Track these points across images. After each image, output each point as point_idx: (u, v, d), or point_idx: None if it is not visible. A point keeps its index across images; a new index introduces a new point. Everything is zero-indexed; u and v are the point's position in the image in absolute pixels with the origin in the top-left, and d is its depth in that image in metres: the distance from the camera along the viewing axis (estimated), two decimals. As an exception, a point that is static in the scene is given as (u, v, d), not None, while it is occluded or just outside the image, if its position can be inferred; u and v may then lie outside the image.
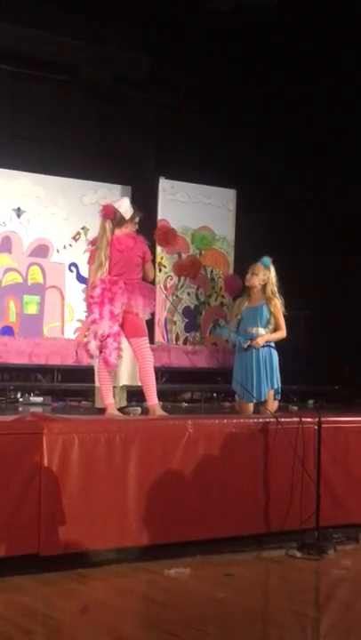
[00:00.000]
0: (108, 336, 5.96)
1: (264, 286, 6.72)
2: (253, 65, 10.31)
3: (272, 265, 6.73)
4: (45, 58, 9.62)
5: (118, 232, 6.14)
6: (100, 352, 6.01)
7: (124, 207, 6.20)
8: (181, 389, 10.08)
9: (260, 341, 6.61)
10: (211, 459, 5.27)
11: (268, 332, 6.67)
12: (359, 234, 9.76)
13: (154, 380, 6.18)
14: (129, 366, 6.62)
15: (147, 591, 4.62)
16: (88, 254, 7.85)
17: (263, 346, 6.64)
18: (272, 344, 6.72)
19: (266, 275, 6.71)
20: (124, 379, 6.85)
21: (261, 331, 6.65)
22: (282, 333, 6.72)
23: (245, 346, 6.64)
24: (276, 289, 6.72)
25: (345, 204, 9.90)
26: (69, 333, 9.90)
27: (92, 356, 6.08)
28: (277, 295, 6.70)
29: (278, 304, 6.67)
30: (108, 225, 6.11)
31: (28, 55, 9.56)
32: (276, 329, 6.69)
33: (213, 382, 10.18)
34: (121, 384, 6.88)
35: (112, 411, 6.13)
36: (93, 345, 5.99)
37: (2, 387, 9.14)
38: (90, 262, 6.29)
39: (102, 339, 5.96)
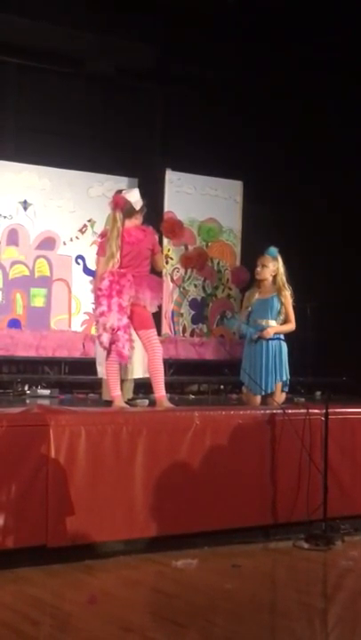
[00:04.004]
0: (118, 329, 5.95)
1: (274, 277, 6.71)
2: (260, 55, 10.27)
3: (279, 255, 6.72)
4: (50, 50, 9.59)
5: (128, 223, 6.11)
6: (112, 345, 5.99)
7: (135, 198, 6.17)
8: (189, 381, 10.07)
9: (271, 332, 6.60)
10: (218, 450, 5.27)
11: (278, 324, 6.66)
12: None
13: (162, 372, 6.18)
14: (140, 359, 6.59)
15: (154, 582, 4.63)
16: (95, 246, 7.85)
17: (273, 338, 6.63)
18: (282, 336, 6.71)
19: (275, 265, 6.71)
20: (137, 372, 6.80)
21: (272, 322, 6.64)
22: (291, 326, 6.72)
23: (255, 337, 6.64)
24: (285, 279, 6.71)
25: (352, 195, 9.86)
26: (76, 326, 9.90)
27: (105, 349, 6.06)
28: (287, 286, 6.70)
29: (288, 295, 6.67)
30: (119, 215, 6.08)
31: (33, 47, 9.53)
32: (285, 321, 6.68)
33: (221, 374, 10.17)
34: (134, 377, 6.84)
35: (119, 403, 6.13)
36: (105, 337, 5.97)
37: (9, 379, 9.16)
38: (99, 254, 6.27)
39: (113, 331, 5.95)
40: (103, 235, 6.32)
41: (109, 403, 6.32)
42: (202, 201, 10.68)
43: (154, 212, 7.81)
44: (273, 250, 6.73)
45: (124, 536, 4.96)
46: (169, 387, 6.97)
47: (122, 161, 10.12)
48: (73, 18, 9.58)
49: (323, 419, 5.54)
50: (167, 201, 10.37)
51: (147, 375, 6.36)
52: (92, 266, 9.21)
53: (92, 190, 10.02)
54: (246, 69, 10.35)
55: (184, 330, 10.49)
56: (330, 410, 5.57)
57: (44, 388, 8.87)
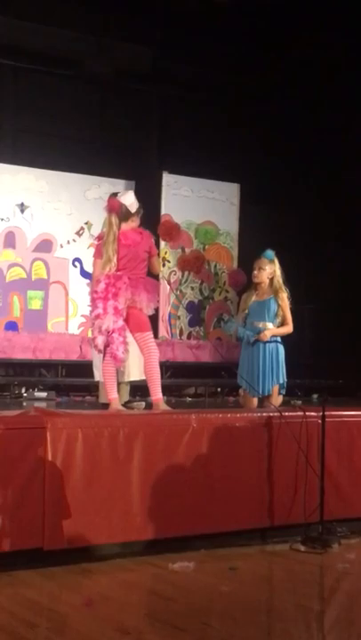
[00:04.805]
0: (113, 331, 5.95)
1: (271, 280, 6.71)
2: (257, 57, 10.29)
3: (276, 257, 6.73)
4: (48, 52, 9.61)
5: (124, 226, 6.11)
6: (107, 347, 5.99)
7: (130, 201, 6.17)
8: (185, 384, 10.08)
9: (268, 334, 6.59)
10: (215, 453, 5.27)
11: (275, 326, 6.66)
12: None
13: (159, 375, 6.17)
14: (136, 361, 6.58)
15: (151, 585, 4.63)
16: (92, 249, 7.85)
17: (270, 340, 6.62)
18: (279, 339, 6.71)
19: (272, 268, 6.71)
20: (132, 374, 6.79)
21: (269, 324, 6.63)
22: (289, 328, 6.71)
23: (252, 340, 6.63)
24: (282, 281, 6.72)
25: (349, 198, 9.88)
26: (73, 328, 9.91)
27: (100, 351, 6.06)
28: (284, 288, 6.70)
29: (285, 297, 6.67)
30: (115, 219, 6.08)
31: (31, 49, 9.55)
32: (283, 323, 6.68)
33: (217, 377, 10.18)
34: (129, 380, 6.83)
35: (116, 405, 6.13)
36: (100, 340, 5.97)
37: (6, 382, 9.16)
38: (96, 256, 6.27)
39: (108, 334, 5.94)
40: (100, 237, 6.32)
41: (106, 405, 6.32)
42: (199, 203, 10.69)
43: (151, 214, 7.82)
44: (270, 252, 6.73)
45: (120, 539, 4.95)
46: (166, 389, 6.98)
47: (119, 163, 10.14)
48: (71, 20, 9.60)
49: (320, 421, 5.54)
50: (164, 203, 10.38)
51: (143, 378, 6.36)
52: (88, 268, 9.23)
53: (89, 193, 10.04)
54: (244, 72, 10.37)
55: (181, 332, 10.50)
56: (327, 412, 5.56)
57: (41, 390, 8.88)
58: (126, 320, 6.03)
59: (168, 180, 10.48)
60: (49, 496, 4.68)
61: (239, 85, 10.47)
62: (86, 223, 10.00)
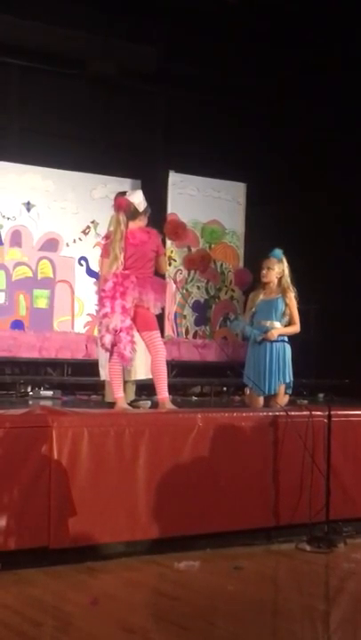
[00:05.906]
0: (120, 330, 5.94)
1: (279, 279, 6.70)
2: (264, 57, 10.27)
3: (283, 256, 6.72)
4: (53, 51, 9.61)
5: (132, 225, 6.11)
6: (114, 346, 5.98)
7: (138, 199, 6.16)
8: (191, 383, 10.08)
9: (275, 333, 6.59)
10: (220, 452, 5.27)
11: (282, 326, 6.65)
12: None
13: (165, 374, 6.17)
14: (143, 360, 6.57)
15: (156, 584, 4.63)
16: (98, 248, 7.85)
17: (277, 340, 6.61)
18: (286, 338, 6.70)
19: (280, 267, 6.70)
20: (139, 373, 6.79)
21: (276, 324, 6.62)
22: (296, 328, 6.70)
23: (259, 339, 6.62)
24: (289, 280, 6.71)
25: (356, 197, 9.86)
26: (79, 327, 9.90)
27: (107, 350, 6.06)
28: (292, 288, 6.69)
29: (293, 297, 6.66)
30: (122, 218, 6.07)
31: (36, 49, 9.55)
32: (290, 322, 6.67)
33: (223, 376, 10.17)
34: (136, 378, 6.83)
35: (122, 404, 6.13)
36: (108, 339, 5.96)
37: (12, 380, 9.16)
38: (103, 255, 6.27)
39: (115, 333, 5.94)
40: (107, 237, 6.31)
41: (112, 404, 6.32)
42: (205, 203, 10.68)
43: (157, 213, 7.82)
44: (278, 252, 6.72)
45: (126, 538, 4.95)
46: (171, 388, 6.97)
47: (125, 163, 10.13)
48: (75, 19, 9.60)
49: (326, 421, 5.54)
50: (170, 203, 10.37)
51: (149, 377, 6.35)
52: (95, 267, 9.23)
53: (96, 192, 10.03)
54: (248, 70, 10.35)
55: (187, 332, 10.49)
56: (333, 412, 5.56)
57: (46, 389, 8.88)
58: (133, 319, 6.03)
59: (174, 179, 10.46)
60: (54, 495, 4.68)
61: (244, 85, 10.45)
62: (92, 222, 9.99)
